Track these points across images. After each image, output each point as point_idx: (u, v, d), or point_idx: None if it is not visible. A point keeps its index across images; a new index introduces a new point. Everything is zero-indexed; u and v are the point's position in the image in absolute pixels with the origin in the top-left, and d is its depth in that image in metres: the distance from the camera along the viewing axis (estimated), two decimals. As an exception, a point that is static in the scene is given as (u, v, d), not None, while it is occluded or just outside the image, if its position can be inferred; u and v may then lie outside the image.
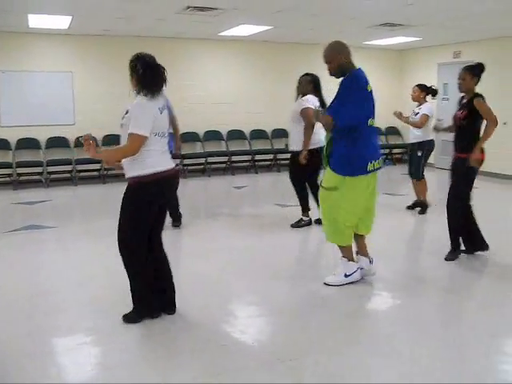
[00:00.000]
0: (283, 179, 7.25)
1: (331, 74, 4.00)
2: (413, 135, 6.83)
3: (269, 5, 6.81)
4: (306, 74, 5.97)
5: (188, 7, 6.91)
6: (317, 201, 5.34)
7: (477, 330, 3.48)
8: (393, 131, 12.13)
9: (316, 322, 3.63)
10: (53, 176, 9.33)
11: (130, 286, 3.53)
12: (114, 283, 4.10)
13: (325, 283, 4.22)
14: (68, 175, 9.48)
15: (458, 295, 4.17)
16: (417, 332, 3.45)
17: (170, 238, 5.61)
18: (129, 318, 3.53)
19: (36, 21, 7.91)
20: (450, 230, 4.85)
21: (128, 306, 3.56)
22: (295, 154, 5.91)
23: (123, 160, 3.38)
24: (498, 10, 7.10)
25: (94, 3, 6.69)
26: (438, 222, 5.13)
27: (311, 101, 5.74)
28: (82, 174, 9.56)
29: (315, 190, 5.64)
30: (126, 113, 3.36)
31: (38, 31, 8.91)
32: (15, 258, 5.09)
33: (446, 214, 4.83)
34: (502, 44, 9.79)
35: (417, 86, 6.85)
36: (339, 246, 4.25)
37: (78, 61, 9.59)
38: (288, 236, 5.85)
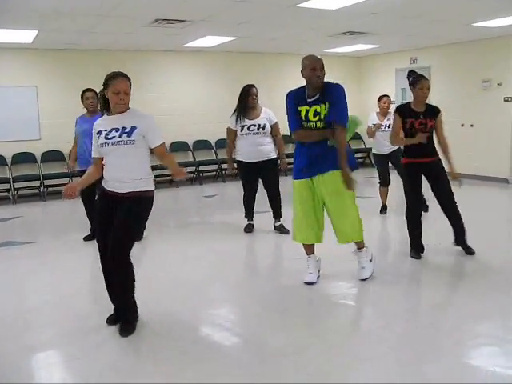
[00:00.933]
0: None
1: (321, 81, 4.13)
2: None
3: (235, 16, 6.97)
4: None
5: (156, 20, 7.01)
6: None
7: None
8: (355, 136, 12.44)
9: (302, 317, 3.79)
10: (20, 192, 9.22)
11: (127, 300, 3.57)
12: (99, 297, 4.14)
13: (363, 279, 4.42)
14: (36, 191, 9.38)
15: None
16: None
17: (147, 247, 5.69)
18: (129, 331, 3.54)
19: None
20: (463, 227, 5.04)
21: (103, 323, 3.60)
22: (276, 161, 6.14)
23: (138, 176, 3.48)
24: (452, 19, 7.47)
25: (63, 18, 6.70)
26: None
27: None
28: (50, 189, 9.47)
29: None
30: (118, 131, 3.44)
31: (1, 46, 8.81)
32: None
33: (452, 216, 5.02)
34: (456, 49, 10.26)
35: (386, 96, 7.11)
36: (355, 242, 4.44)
37: (42, 75, 9.53)
38: (264, 240, 6.03)
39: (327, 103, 4.11)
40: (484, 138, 9.76)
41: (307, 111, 4.13)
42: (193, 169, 10.62)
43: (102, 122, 3.57)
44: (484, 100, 9.82)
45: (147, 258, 5.42)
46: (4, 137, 9.25)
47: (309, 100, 4.14)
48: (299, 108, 4.15)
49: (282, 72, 11.13)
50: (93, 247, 5.96)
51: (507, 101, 9.42)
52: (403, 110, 4.95)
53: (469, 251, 5.06)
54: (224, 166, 10.95)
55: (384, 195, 7.16)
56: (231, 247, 5.78)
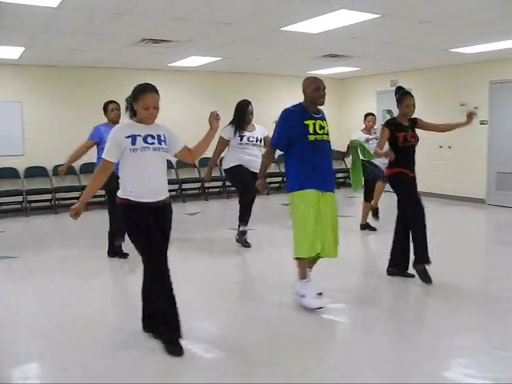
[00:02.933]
0: (233, 205, 7.54)
1: (324, 100, 4.38)
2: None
3: (220, 37, 7.13)
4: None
5: (143, 39, 7.15)
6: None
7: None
8: (337, 156, 12.62)
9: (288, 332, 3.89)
10: (3, 207, 9.22)
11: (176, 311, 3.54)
12: (89, 310, 4.22)
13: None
14: (19, 206, 9.38)
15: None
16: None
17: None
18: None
19: (-15, 51, 7.90)
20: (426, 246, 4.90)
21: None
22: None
23: (166, 183, 3.64)
24: (429, 45, 7.74)
25: (50, 36, 6.80)
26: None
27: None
28: (33, 204, 9.49)
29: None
30: (154, 138, 3.48)
31: (-14, 62, 8.88)
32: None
33: (420, 231, 4.90)
34: (434, 73, 10.57)
35: (372, 115, 7.35)
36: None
37: (27, 91, 9.58)
38: (249, 254, 6.12)
39: (326, 122, 4.40)
40: (461, 160, 10.01)
41: (314, 124, 4.29)
42: (176, 187, 10.69)
43: (133, 127, 3.49)
44: (461, 123, 10.08)
45: (131, 275, 5.48)
46: (-13, 152, 9.26)
47: (314, 115, 4.34)
48: (306, 122, 4.27)
49: (266, 92, 11.32)
50: (76, 262, 6.04)
51: (483, 124, 9.70)
52: (393, 125, 5.00)
53: (427, 278, 4.88)
54: (207, 184, 11.09)
55: (367, 210, 7.36)
56: (215, 263, 5.87)
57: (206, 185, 11.03)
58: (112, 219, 5.89)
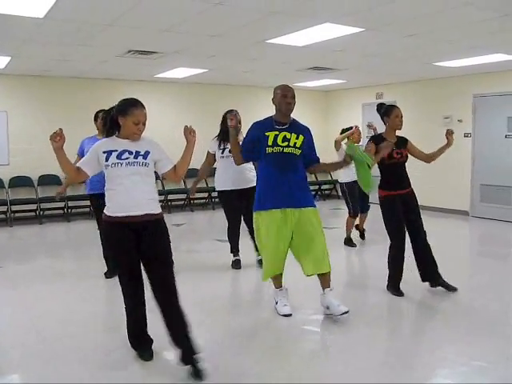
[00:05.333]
0: (219, 216, 7.50)
1: (291, 109, 4.24)
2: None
3: (206, 49, 7.17)
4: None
5: (130, 51, 7.17)
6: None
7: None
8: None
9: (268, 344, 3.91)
10: (-14, 217, 9.16)
11: (185, 322, 3.44)
12: (68, 318, 4.20)
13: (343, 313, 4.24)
14: (3, 216, 9.31)
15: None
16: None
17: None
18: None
19: (-29, 61, 7.88)
20: (434, 262, 4.98)
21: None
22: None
23: (152, 197, 3.44)
24: (412, 58, 7.85)
25: (37, 46, 6.81)
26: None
27: None
28: (17, 214, 9.43)
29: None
30: (132, 153, 3.38)
31: (-29, 71, 8.86)
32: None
33: (424, 250, 4.94)
34: (419, 86, 10.71)
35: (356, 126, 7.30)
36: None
37: (13, 100, 9.56)
38: (233, 270, 6.11)
39: (300, 136, 4.25)
40: (445, 172, 10.11)
41: (276, 136, 4.18)
42: (162, 198, 10.68)
43: (111, 143, 3.44)
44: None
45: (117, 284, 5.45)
46: (-28, 161, 9.21)
47: (277, 127, 4.23)
48: (266, 133, 4.19)
49: (252, 104, 11.36)
50: (60, 272, 6.01)
51: (467, 136, 9.83)
52: (378, 140, 4.89)
53: (449, 287, 4.97)
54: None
55: (350, 226, 7.29)
56: (200, 274, 5.86)
57: (192, 196, 11.07)
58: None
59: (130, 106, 3.40)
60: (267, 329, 4.27)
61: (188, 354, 3.32)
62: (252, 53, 7.49)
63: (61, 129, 3.22)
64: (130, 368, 3.45)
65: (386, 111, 4.98)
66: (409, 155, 5.05)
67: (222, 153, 5.93)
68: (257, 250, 5.85)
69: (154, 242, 3.40)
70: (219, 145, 5.98)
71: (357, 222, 7.44)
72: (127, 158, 3.36)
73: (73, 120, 9.53)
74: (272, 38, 6.43)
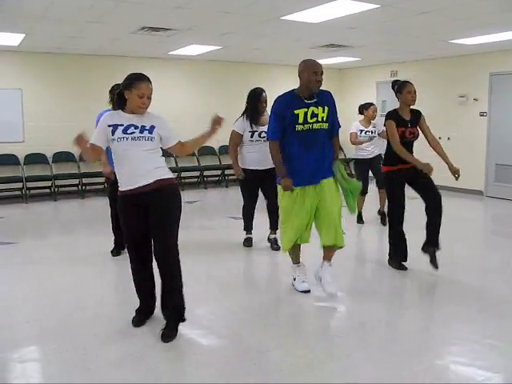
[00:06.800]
0: (232, 194, 7.54)
1: (320, 86, 4.14)
2: (378, 147, 7.18)
3: (220, 26, 7.13)
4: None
5: (143, 27, 7.14)
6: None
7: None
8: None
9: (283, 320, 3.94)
10: (2, 194, 9.25)
11: (180, 297, 3.57)
12: (86, 295, 4.26)
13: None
14: (18, 193, 9.41)
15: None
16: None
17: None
18: (174, 336, 3.54)
19: (-16, 38, 7.89)
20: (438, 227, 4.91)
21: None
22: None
23: (160, 164, 3.51)
24: (429, 35, 7.74)
25: (51, 23, 6.80)
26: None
27: None
28: (32, 191, 9.53)
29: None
30: (137, 128, 3.42)
31: (-14, 48, 8.88)
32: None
33: (436, 215, 4.92)
34: (434, 64, 10.57)
35: (374, 105, 7.29)
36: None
37: (27, 78, 9.58)
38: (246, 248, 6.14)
39: (326, 107, 4.16)
40: (460, 151, 9.98)
41: (305, 113, 4.10)
42: (175, 175, 10.70)
43: (117, 116, 3.48)
44: (461, 114, 10.12)
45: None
46: (-13, 138, 9.29)
47: (306, 101, 4.12)
48: (296, 111, 4.08)
49: (266, 81, 11.20)
50: (75, 248, 6.10)
51: (482, 116, 9.71)
52: (395, 117, 4.87)
53: (433, 261, 4.88)
54: (206, 172, 11.15)
55: (360, 204, 7.25)
56: (213, 251, 5.91)
57: (205, 173, 11.10)
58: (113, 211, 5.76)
59: (135, 79, 3.44)
60: (284, 305, 4.31)
61: (171, 313, 3.55)
62: (265, 30, 7.42)
63: (83, 132, 3.27)
64: (149, 342, 3.50)
65: (399, 87, 4.97)
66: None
67: (251, 136, 5.69)
68: (272, 227, 5.97)
69: (158, 206, 3.44)
70: (250, 126, 5.70)
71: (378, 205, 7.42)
72: (133, 133, 3.40)
73: (86, 97, 9.57)
74: (286, 15, 6.37)
